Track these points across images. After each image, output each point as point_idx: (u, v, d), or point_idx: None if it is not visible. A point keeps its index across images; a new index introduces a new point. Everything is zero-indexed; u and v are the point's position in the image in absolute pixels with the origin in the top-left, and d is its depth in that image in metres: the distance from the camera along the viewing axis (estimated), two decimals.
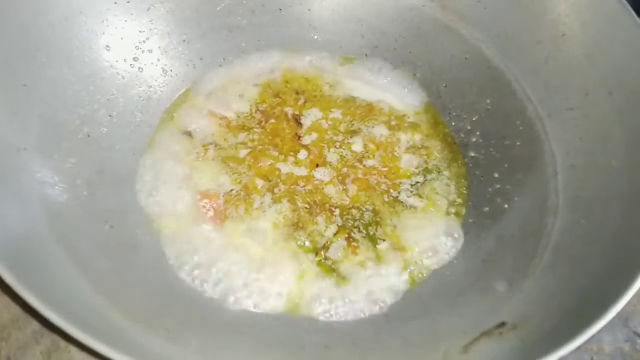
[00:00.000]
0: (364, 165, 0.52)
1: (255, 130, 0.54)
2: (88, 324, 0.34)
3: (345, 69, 0.58)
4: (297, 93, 0.56)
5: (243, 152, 0.52)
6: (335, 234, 0.48)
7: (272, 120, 0.54)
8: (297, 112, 0.55)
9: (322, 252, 0.47)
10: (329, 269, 0.46)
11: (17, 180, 0.42)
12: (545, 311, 0.39)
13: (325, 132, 0.54)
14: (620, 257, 0.39)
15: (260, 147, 0.53)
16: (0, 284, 0.35)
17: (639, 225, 0.40)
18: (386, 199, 0.50)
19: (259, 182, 0.51)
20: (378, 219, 0.49)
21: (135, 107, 0.53)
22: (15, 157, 0.43)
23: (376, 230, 0.48)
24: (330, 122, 0.54)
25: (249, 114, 0.54)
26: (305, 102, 0.56)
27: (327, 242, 0.48)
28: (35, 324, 0.43)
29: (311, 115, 0.55)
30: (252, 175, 0.51)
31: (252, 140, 0.53)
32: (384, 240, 0.48)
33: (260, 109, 0.55)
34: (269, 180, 0.51)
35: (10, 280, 0.34)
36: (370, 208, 0.50)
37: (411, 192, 0.51)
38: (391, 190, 0.51)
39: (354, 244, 0.48)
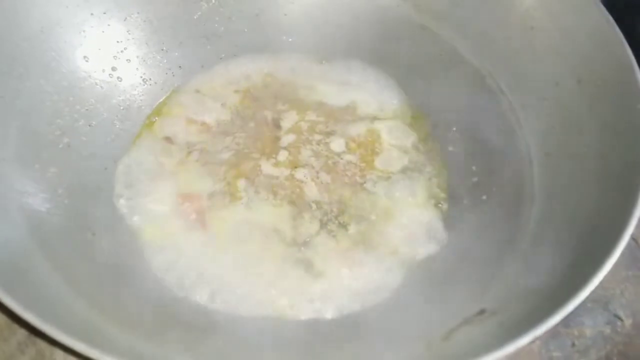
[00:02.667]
0: (343, 163, 0.53)
1: (236, 134, 0.54)
2: (71, 327, 0.34)
3: (322, 71, 0.59)
4: (275, 97, 0.57)
5: (224, 155, 0.53)
6: (317, 231, 0.49)
7: (252, 125, 0.55)
8: (276, 116, 0.55)
9: (304, 249, 0.47)
10: (311, 265, 0.47)
11: None
12: (523, 296, 0.40)
13: (303, 134, 0.54)
14: (594, 241, 0.39)
15: (241, 150, 0.53)
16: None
17: (611, 210, 0.40)
18: (364, 193, 0.51)
19: (242, 182, 0.51)
20: (357, 213, 0.50)
21: (115, 116, 0.53)
22: None
23: (357, 224, 0.49)
24: (308, 124, 0.55)
25: (230, 120, 0.55)
26: (283, 105, 0.56)
27: (308, 239, 0.48)
28: (20, 335, 0.43)
29: (289, 118, 0.55)
30: (234, 176, 0.51)
31: (235, 144, 0.54)
32: (364, 234, 0.48)
33: (241, 115, 0.55)
34: (252, 180, 0.51)
35: None
36: (350, 203, 0.50)
37: (390, 185, 0.51)
38: (370, 184, 0.51)
39: (334, 239, 0.48)
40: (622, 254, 0.37)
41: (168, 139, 0.54)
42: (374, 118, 0.56)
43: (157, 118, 0.55)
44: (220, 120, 0.55)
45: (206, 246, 0.48)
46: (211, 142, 0.54)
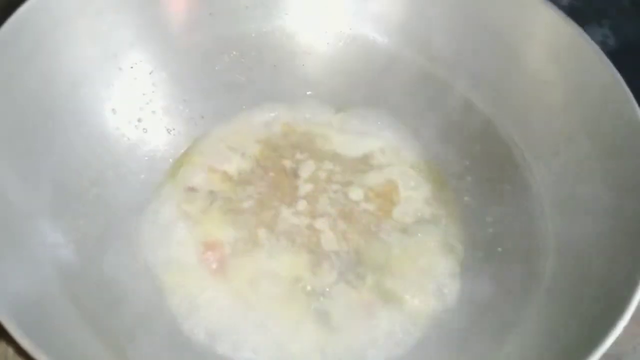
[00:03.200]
0: (360, 211, 0.54)
1: (257, 184, 0.56)
2: None
3: (339, 121, 0.61)
4: (293, 147, 0.58)
5: (246, 204, 0.54)
6: (335, 281, 0.50)
7: (272, 174, 0.56)
8: (294, 166, 0.57)
9: (322, 299, 0.49)
10: (329, 318, 0.48)
11: (29, 244, 0.44)
12: (539, 354, 0.41)
13: (321, 183, 0.56)
14: (607, 299, 0.40)
15: (262, 199, 0.55)
16: (15, 347, 0.37)
17: (624, 267, 0.41)
18: (379, 242, 0.52)
19: (262, 231, 0.53)
20: (372, 263, 0.51)
21: (141, 167, 0.55)
22: (27, 222, 0.45)
23: (373, 275, 0.50)
24: (325, 173, 0.57)
25: (250, 170, 0.57)
26: (301, 155, 0.58)
27: (327, 289, 0.49)
28: None
29: (307, 168, 0.57)
30: (255, 224, 0.53)
31: (256, 194, 0.55)
32: (380, 285, 0.49)
33: (261, 164, 0.57)
34: (272, 229, 0.53)
35: (25, 344, 0.35)
36: (365, 253, 0.51)
37: (405, 236, 0.53)
38: (384, 234, 0.53)
39: (352, 290, 0.49)
40: (636, 309, 0.38)
41: (191, 188, 0.55)
42: (390, 168, 0.58)
43: (180, 168, 0.57)
44: (241, 169, 0.57)
45: (227, 296, 0.49)
46: (233, 191, 0.55)
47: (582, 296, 0.43)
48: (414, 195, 0.55)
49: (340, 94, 0.62)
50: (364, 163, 0.58)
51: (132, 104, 0.57)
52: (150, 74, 0.58)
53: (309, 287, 0.50)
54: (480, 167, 0.55)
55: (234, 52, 0.62)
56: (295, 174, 0.57)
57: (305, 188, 0.56)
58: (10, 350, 0.45)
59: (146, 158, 0.56)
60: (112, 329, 0.44)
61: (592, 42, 0.51)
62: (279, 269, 0.51)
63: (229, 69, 0.62)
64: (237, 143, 0.59)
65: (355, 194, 0.56)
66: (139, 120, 0.57)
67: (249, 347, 0.46)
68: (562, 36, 0.53)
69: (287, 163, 0.58)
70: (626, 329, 0.38)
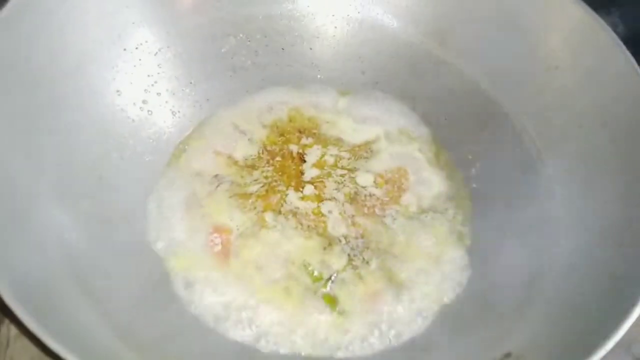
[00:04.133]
0: (366, 194, 0.54)
1: (264, 168, 0.55)
2: None
3: (346, 105, 0.60)
4: (299, 132, 0.58)
5: (253, 188, 0.54)
6: (344, 266, 0.49)
7: (279, 159, 0.56)
8: (300, 151, 0.56)
9: (330, 285, 0.48)
10: (336, 302, 0.47)
11: (34, 224, 0.44)
12: (549, 341, 0.40)
13: (328, 168, 0.55)
14: (620, 287, 0.40)
15: (269, 183, 0.54)
16: (19, 326, 0.37)
17: (635, 256, 0.41)
18: (388, 228, 0.52)
19: (269, 215, 0.52)
20: (378, 247, 0.50)
21: (145, 149, 0.55)
22: (32, 202, 0.45)
23: (378, 260, 0.50)
24: (332, 158, 0.56)
25: (257, 155, 0.56)
26: (307, 140, 0.57)
27: (334, 275, 0.49)
28: None
29: (314, 153, 0.56)
30: (262, 208, 0.52)
31: (263, 178, 0.55)
32: (387, 271, 0.49)
33: (268, 149, 0.56)
34: (279, 213, 0.52)
35: (30, 324, 0.35)
36: (370, 237, 0.51)
37: (410, 222, 0.52)
38: (394, 220, 0.52)
39: (359, 275, 0.49)
40: None
41: (196, 171, 0.55)
42: (397, 152, 0.57)
43: (185, 151, 0.56)
44: (247, 154, 0.56)
45: (231, 278, 0.49)
46: (239, 175, 0.55)
47: (593, 282, 0.42)
48: (422, 181, 0.55)
49: (348, 78, 0.62)
50: (371, 147, 0.57)
51: (137, 85, 0.56)
52: (155, 55, 0.57)
53: (315, 272, 0.49)
54: (490, 153, 0.55)
55: (241, 35, 0.61)
56: (302, 159, 0.56)
57: (312, 173, 0.55)
58: (12, 333, 0.45)
59: (151, 140, 0.55)
60: (116, 309, 0.43)
61: (607, 27, 0.50)
62: (285, 251, 0.50)
63: (235, 51, 0.61)
64: (243, 127, 0.58)
65: (363, 179, 0.55)
66: (144, 102, 0.56)
67: (254, 328, 0.46)
68: (575, 21, 0.52)
69: (294, 148, 0.57)
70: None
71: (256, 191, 0.54)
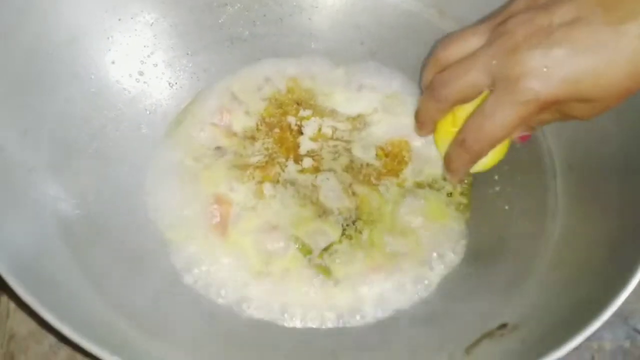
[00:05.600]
0: (368, 168, 0.53)
1: (263, 140, 0.55)
2: (102, 337, 0.35)
3: (345, 76, 0.59)
4: (297, 104, 0.57)
5: (252, 160, 0.53)
6: (339, 237, 0.49)
7: (277, 130, 0.55)
8: (299, 122, 0.56)
9: (326, 256, 0.48)
10: (330, 273, 0.48)
11: (29, 199, 0.44)
12: (545, 312, 0.40)
13: (327, 140, 0.55)
14: (617, 258, 0.40)
15: (269, 154, 0.54)
16: (16, 300, 0.37)
17: (635, 226, 0.41)
18: (390, 202, 0.51)
19: (268, 186, 0.52)
20: (381, 222, 0.50)
21: (142, 121, 0.54)
22: (27, 176, 0.45)
23: (372, 231, 0.50)
24: (330, 130, 0.55)
25: (255, 127, 0.55)
26: (305, 112, 0.56)
27: (330, 246, 0.49)
28: (52, 337, 0.45)
29: (312, 125, 0.56)
30: (261, 179, 0.52)
31: (262, 149, 0.54)
32: (388, 243, 0.49)
33: (267, 121, 0.56)
34: (278, 182, 0.52)
35: (26, 297, 0.35)
36: (373, 211, 0.51)
37: (413, 193, 0.52)
38: (392, 191, 0.52)
39: (354, 246, 0.49)
40: None
41: (195, 143, 0.54)
42: (397, 123, 0.56)
43: (182, 122, 0.56)
44: (246, 126, 0.56)
45: (228, 250, 0.49)
46: (237, 146, 0.54)
47: (591, 255, 0.42)
48: (422, 152, 0.54)
49: (347, 48, 0.61)
50: (366, 120, 0.56)
51: (132, 56, 0.55)
52: (151, 25, 0.57)
53: (311, 243, 0.49)
54: None
55: (238, 5, 0.60)
56: (299, 131, 0.56)
57: (310, 144, 0.55)
58: (12, 304, 0.46)
59: (147, 112, 0.55)
60: (112, 282, 0.44)
61: None
62: (282, 223, 0.50)
63: (232, 22, 0.60)
64: (241, 99, 0.57)
65: (362, 150, 0.54)
66: (140, 73, 0.56)
67: (250, 300, 0.46)
68: None
69: (292, 120, 0.56)
70: (635, 288, 0.38)
71: (257, 162, 0.53)
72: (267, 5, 0.61)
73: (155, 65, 0.57)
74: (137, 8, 0.56)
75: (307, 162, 0.54)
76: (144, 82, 0.56)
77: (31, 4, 0.48)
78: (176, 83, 0.57)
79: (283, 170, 0.53)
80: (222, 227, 0.50)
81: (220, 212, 0.51)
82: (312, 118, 0.56)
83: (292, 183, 0.52)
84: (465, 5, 0.57)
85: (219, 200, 0.51)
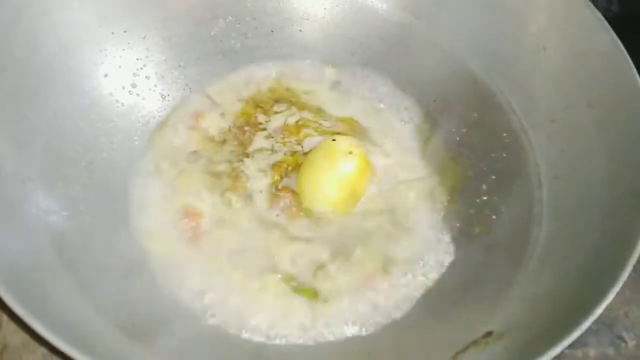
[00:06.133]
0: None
1: (231, 142, 0.55)
2: (94, 348, 0.36)
3: (335, 90, 0.60)
4: (275, 101, 0.58)
5: (221, 167, 0.54)
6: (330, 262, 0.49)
7: (247, 128, 0.56)
8: (268, 119, 0.57)
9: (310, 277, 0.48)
10: (317, 291, 0.48)
11: (22, 210, 0.44)
12: (530, 320, 0.41)
13: (293, 132, 0.56)
14: (600, 266, 0.40)
15: (234, 159, 0.54)
16: (9, 311, 0.37)
17: (617, 235, 0.41)
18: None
19: (233, 195, 0.52)
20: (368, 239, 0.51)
21: (135, 133, 0.55)
22: (20, 188, 0.45)
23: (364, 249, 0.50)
24: (302, 121, 0.57)
25: (228, 129, 0.56)
26: (279, 107, 0.57)
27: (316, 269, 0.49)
28: (45, 348, 0.45)
29: (280, 119, 0.57)
30: (227, 188, 0.52)
31: (229, 153, 0.55)
32: (375, 254, 0.49)
33: (236, 123, 0.56)
34: (244, 192, 0.52)
35: (19, 310, 0.36)
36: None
37: (392, 198, 0.53)
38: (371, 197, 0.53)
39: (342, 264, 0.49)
40: (628, 276, 0.38)
41: (174, 148, 0.55)
42: (389, 134, 0.57)
43: (163, 129, 0.56)
44: (221, 128, 0.56)
45: (206, 265, 0.49)
46: (212, 151, 0.55)
47: (575, 264, 0.42)
48: (404, 160, 0.55)
49: (338, 59, 0.61)
50: (350, 123, 0.57)
51: (125, 69, 0.56)
52: (144, 38, 0.57)
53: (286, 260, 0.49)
54: (477, 134, 0.55)
55: (230, 17, 0.61)
56: (265, 127, 0.56)
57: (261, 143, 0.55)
58: (4, 316, 0.46)
59: (140, 124, 0.56)
60: (103, 294, 0.44)
61: (594, 9, 0.50)
62: (252, 237, 0.50)
63: (224, 34, 0.61)
64: (217, 101, 0.58)
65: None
66: (133, 85, 0.56)
67: (229, 309, 0.47)
68: (563, 2, 0.51)
69: (263, 118, 0.57)
70: (618, 294, 0.38)
71: (224, 170, 0.53)
72: (258, 17, 0.62)
73: (148, 77, 0.57)
74: (130, 21, 0.56)
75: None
76: (137, 95, 0.56)
77: (24, 16, 0.49)
78: (168, 95, 0.58)
79: (246, 178, 0.53)
80: (195, 239, 0.50)
81: (191, 226, 0.51)
82: (289, 111, 0.57)
83: (258, 189, 0.52)
84: (454, 18, 0.58)
85: (188, 213, 0.51)
